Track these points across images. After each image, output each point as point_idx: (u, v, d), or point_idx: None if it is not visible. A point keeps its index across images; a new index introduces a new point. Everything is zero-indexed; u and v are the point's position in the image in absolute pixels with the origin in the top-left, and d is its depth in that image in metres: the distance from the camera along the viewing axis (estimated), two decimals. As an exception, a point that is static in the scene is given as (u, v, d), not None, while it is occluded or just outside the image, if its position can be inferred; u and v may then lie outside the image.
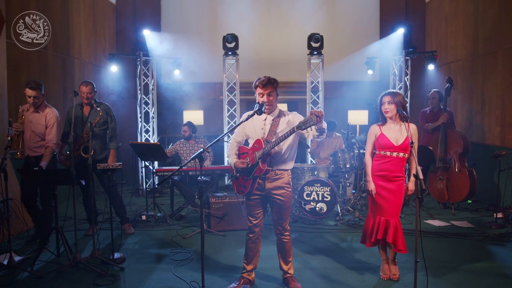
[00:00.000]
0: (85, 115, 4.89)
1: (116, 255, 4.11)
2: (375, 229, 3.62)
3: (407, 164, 3.77)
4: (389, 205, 3.58)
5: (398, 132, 3.57)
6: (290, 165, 3.44)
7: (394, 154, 3.56)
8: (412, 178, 3.51)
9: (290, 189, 3.43)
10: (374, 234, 3.62)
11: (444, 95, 6.06)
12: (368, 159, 3.72)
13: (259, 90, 3.33)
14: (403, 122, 3.47)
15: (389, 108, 3.56)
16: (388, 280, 3.67)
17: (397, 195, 3.58)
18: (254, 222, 3.48)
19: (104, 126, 4.95)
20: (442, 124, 5.95)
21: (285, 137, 3.20)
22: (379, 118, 3.71)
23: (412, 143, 3.23)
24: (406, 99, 7.06)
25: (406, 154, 3.56)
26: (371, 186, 3.64)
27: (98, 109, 4.85)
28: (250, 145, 3.42)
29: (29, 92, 4.42)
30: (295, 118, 3.36)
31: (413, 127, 3.53)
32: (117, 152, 5.05)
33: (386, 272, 3.72)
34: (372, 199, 3.66)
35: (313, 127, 3.06)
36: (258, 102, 3.28)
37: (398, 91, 3.72)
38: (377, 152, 3.66)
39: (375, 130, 3.68)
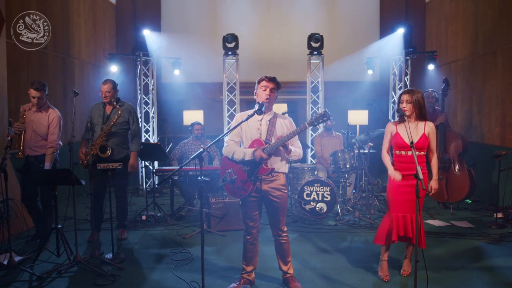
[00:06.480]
0: (107, 113, 4.79)
1: (116, 255, 4.12)
2: (394, 227, 3.59)
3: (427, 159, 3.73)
4: (414, 200, 3.56)
5: (413, 131, 3.57)
6: (286, 167, 3.45)
7: (409, 153, 3.55)
8: (435, 177, 3.61)
9: (286, 191, 3.42)
10: (395, 231, 3.59)
11: (440, 95, 6.08)
12: (384, 155, 3.72)
13: (263, 83, 3.32)
14: (420, 121, 3.47)
15: (407, 107, 3.57)
16: (388, 280, 3.67)
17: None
18: (251, 224, 3.46)
19: (124, 126, 4.82)
20: (440, 124, 5.95)
21: (296, 134, 3.21)
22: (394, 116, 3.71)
23: (412, 143, 3.22)
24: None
25: (423, 152, 3.57)
26: (395, 174, 3.56)
27: (118, 106, 4.70)
28: (247, 146, 3.38)
29: (33, 92, 4.42)
30: (292, 124, 3.42)
31: (430, 125, 3.59)
32: None
33: (386, 272, 3.72)
34: (395, 198, 3.61)
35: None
36: (258, 102, 3.26)
37: (417, 89, 3.70)
38: (394, 152, 3.67)
39: (391, 128, 3.69)
